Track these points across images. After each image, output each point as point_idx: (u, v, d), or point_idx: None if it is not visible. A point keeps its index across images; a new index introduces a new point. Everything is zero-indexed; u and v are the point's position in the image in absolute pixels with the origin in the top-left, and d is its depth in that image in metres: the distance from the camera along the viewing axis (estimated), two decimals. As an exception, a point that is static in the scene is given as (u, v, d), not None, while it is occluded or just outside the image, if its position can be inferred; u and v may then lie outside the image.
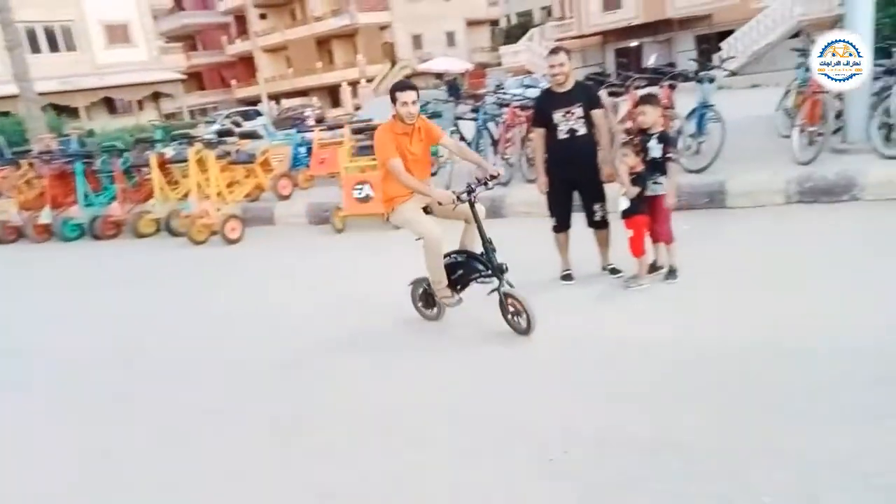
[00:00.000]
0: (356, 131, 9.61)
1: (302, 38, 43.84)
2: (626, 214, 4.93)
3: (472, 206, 4.20)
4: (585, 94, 5.05)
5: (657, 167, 4.87)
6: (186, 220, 8.73)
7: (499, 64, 38.26)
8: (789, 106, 8.84)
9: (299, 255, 7.65)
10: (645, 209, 4.90)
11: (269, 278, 6.79)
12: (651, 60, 12.89)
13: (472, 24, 48.51)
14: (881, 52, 7.73)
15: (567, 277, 5.34)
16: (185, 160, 9.17)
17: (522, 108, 8.78)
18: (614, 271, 5.27)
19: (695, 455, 2.83)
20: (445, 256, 4.43)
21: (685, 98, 8.21)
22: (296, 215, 9.30)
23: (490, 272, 4.24)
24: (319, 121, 13.57)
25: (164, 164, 9.75)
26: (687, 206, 6.55)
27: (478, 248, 4.35)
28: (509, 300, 4.22)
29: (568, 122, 4.94)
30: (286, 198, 9.88)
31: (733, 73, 19.32)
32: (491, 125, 9.21)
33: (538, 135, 5.13)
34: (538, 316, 4.16)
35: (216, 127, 16.81)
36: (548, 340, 4.20)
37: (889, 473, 2.56)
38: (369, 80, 37.26)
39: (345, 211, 8.23)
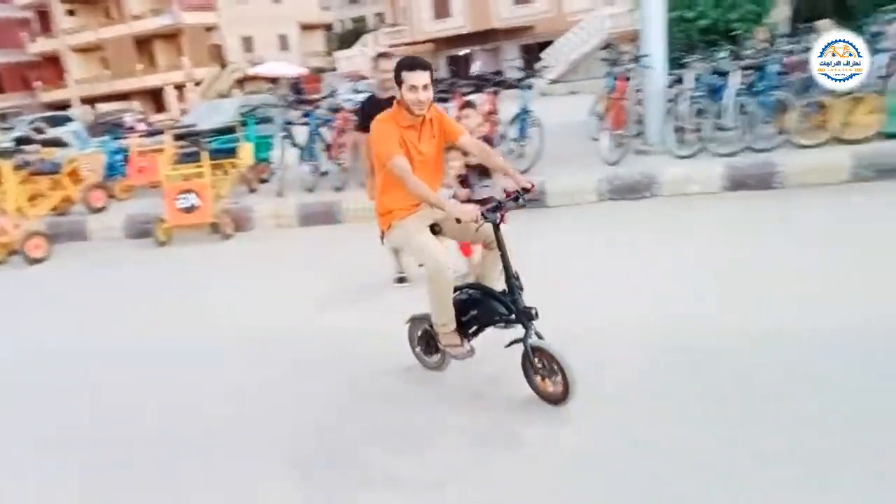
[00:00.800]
0: (179, 137, 9.10)
1: (119, 38, 40.62)
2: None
3: (496, 227, 3.20)
4: (409, 100, 5.15)
5: (483, 170, 5.09)
6: (-23, 239, 7.73)
7: (334, 69, 38.00)
8: (599, 111, 9.64)
9: (115, 272, 7.04)
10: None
11: (79, 300, 6.18)
12: (476, 68, 13.48)
13: (305, 27, 47.73)
14: (674, 63, 8.67)
15: (401, 280, 5.41)
16: (-29, 172, 8.12)
17: (355, 112, 8.79)
18: (446, 271, 5.42)
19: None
20: (455, 291, 3.38)
21: (511, 104, 8.66)
22: (112, 229, 8.57)
23: (514, 317, 3.23)
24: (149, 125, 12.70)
25: (-54, 177, 8.55)
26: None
27: (499, 284, 3.37)
28: (538, 356, 3.19)
29: (392, 127, 5.00)
30: (100, 210, 9.08)
31: (554, 81, 20.68)
32: (324, 130, 9.15)
33: (364, 140, 5.14)
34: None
35: (15, 134, 15.06)
36: (387, 343, 4.23)
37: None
38: (197, 84, 35.31)
39: (168, 222, 7.72)
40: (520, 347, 3.19)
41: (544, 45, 30.28)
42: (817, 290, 4.17)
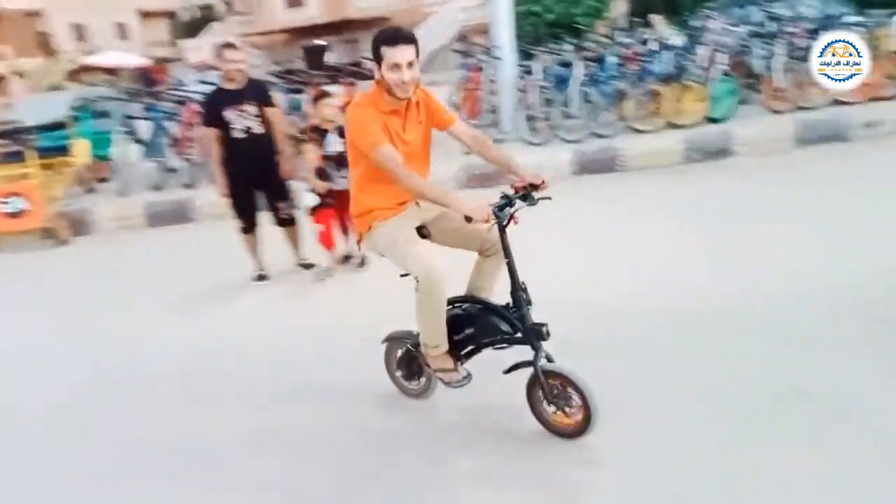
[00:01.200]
0: (0, 135, 8.20)
1: (-81, 24, 35.74)
2: (313, 210, 4.99)
3: (501, 229, 2.71)
4: (259, 92, 4.97)
5: (341, 161, 5.00)
6: None
7: (180, 59, 35.86)
8: (456, 102, 9.81)
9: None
10: (333, 203, 4.99)
11: None
12: (332, 59, 13.28)
13: (147, 15, 44.57)
14: (524, 54, 8.99)
15: (261, 278, 5.24)
16: None
17: (201, 105, 8.34)
18: (308, 266, 5.31)
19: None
20: (447, 305, 2.82)
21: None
22: (-78, 240, 7.56)
23: (520, 336, 2.77)
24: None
25: None
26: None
27: (495, 296, 2.96)
28: (550, 381, 2.75)
29: (242, 120, 4.80)
30: None
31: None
32: (170, 124, 8.59)
33: (211, 134, 4.89)
34: None
35: None
36: (254, 345, 4.09)
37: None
38: (21, 75, 31.91)
39: (-10, 229, 6.94)
40: (519, 372, 2.80)
41: (401, 36, 30.33)
42: (682, 262, 4.53)
